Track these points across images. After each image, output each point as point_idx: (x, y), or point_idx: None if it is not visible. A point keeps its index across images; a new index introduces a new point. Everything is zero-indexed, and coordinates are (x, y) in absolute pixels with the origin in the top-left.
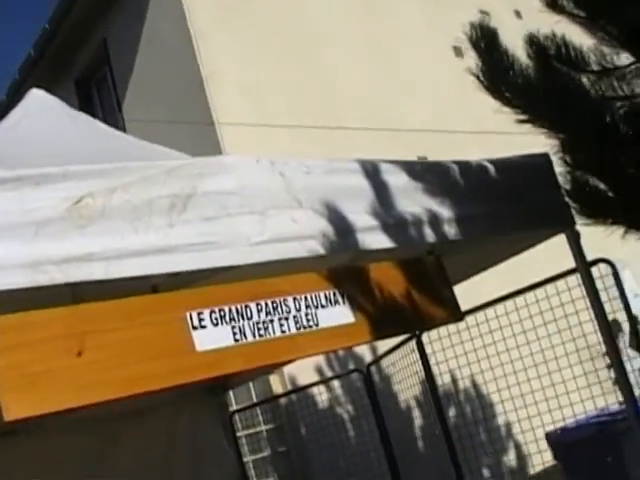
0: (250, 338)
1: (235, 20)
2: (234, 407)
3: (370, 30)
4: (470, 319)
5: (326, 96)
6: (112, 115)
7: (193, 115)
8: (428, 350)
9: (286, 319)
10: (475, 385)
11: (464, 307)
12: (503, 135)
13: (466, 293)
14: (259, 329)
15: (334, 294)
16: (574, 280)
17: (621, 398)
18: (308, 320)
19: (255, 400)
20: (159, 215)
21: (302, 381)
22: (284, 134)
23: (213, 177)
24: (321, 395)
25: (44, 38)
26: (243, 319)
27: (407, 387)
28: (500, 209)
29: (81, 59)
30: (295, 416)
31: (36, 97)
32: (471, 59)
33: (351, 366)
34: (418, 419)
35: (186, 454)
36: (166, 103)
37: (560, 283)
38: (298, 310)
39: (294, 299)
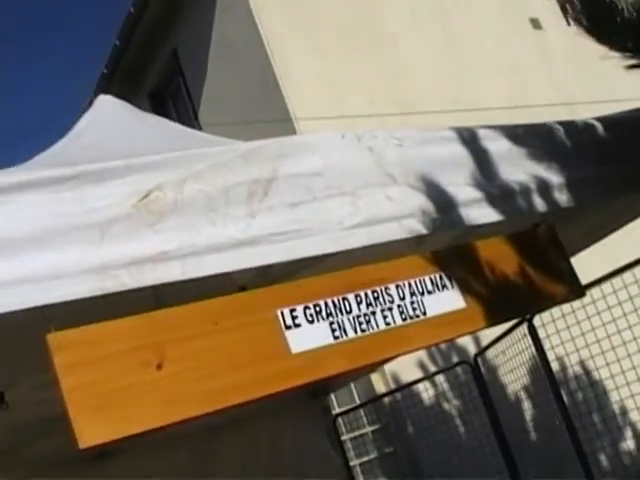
0: (351, 334)
1: (305, 18)
2: (337, 410)
3: (442, 9)
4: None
5: (402, 83)
6: (189, 124)
7: (270, 114)
8: (541, 334)
9: (390, 310)
10: (592, 369)
11: None
12: (593, 104)
13: None
14: (360, 323)
15: (441, 278)
16: None
17: None
18: (414, 309)
19: (358, 401)
20: (237, 204)
21: (405, 378)
22: (363, 124)
23: (295, 158)
24: (427, 391)
25: (115, 54)
26: (342, 313)
27: (519, 377)
28: (612, 170)
29: (153, 72)
30: (401, 415)
31: (104, 102)
32: (552, 29)
33: (455, 359)
34: (533, 409)
35: (291, 464)
36: (242, 106)
37: None
38: (402, 299)
39: (397, 287)
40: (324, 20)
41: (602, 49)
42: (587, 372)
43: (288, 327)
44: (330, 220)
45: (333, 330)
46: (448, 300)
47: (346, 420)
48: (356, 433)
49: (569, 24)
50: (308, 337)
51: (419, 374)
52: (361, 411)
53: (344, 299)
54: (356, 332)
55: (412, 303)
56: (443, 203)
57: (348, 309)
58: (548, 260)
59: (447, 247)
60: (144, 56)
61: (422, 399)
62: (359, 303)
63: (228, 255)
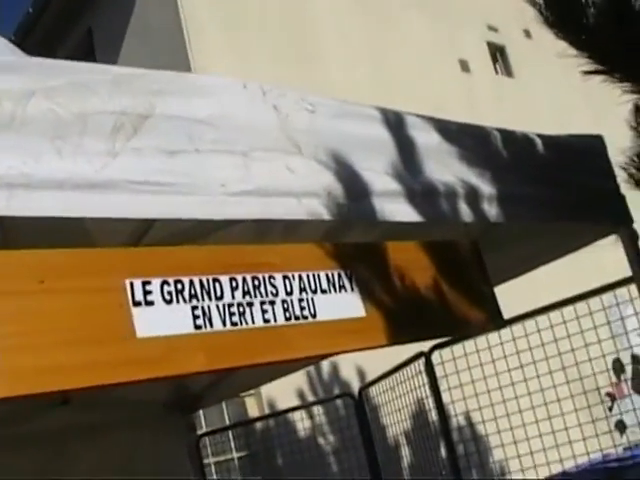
0: (218, 326)
1: (231, 15)
2: (203, 429)
3: (372, 35)
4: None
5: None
6: None
7: None
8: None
9: (272, 304)
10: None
11: None
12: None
13: None
14: (232, 314)
15: (339, 276)
16: None
17: (617, 441)
18: (302, 308)
19: (228, 422)
20: (96, 137)
21: (281, 405)
22: None
23: (180, 97)
24: (303, 421)
25: (27, 24)
26: (209, 298)
27: (405, 418)
28: (550, 193)
29: (65, 48)
30: (272, 444)
31: None
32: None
33: (337, 390)
34: (416, 455)
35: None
36: None
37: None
38: (289, 293)
39: (285, 277)
40: (252, 19)
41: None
42: (479, 422)
43: (137, 303)
44: (212, 180)
45: (195, 317)
46: (345, 305)
47: (212, 442)
48: (222, 458)
49: (497, 72)
50: (162, 320)
51: (296, 402)
52: (229, 434)
53: (215, 281)
54: (224, 324)
55: (301, 301)
56: (355, 188)
57: (219, 294)
58: (468, 279)
59: (353, 243)
60: (57, 30)
61: (297, 429)
62: (234, 289)
63: (70, 196)
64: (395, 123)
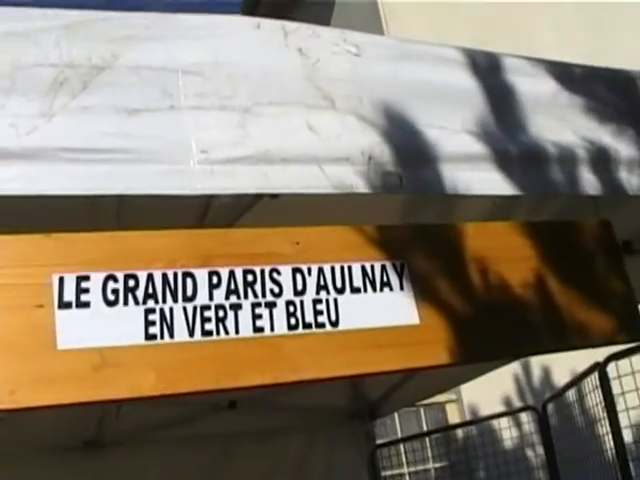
0: (182, 336)
1: (438, 21)
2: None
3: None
4: None
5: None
6: None
7: None
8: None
9: (270, 307)
10: None
11: None
12: None
13: None
14: (206, 320)
15: (383, 269)
16: None
17: None
18: (318, 313)
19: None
20: (29, 95)
21: (484, 412)
22: None
23: (158, 42)
24: (510, 430)
25: None
26: (174, 299)
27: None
28: None
29: None
30: (466, 455)
31: None
32: None
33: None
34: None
35: None
36: None
37: None
38: (299, 292)
39: (295, 271)
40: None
41: None
42: None
43: (64, 305)
44: (188, 144)
45: (149, 323)
46: (387, 309)
47: (385, 454)
48: (396, 471)
49: None
50: (97, 328)
51: (502, 409)
52: (401, 447)
53: (187, 275)
54: (192, 334)
55: (316, 303)
56: (411, 152)
57: (189, 293)
58: (593, 273)
59: (409, 224)
60: None
61: (498, 439)
62: (213, 286)
63: None
64: (486, 67)
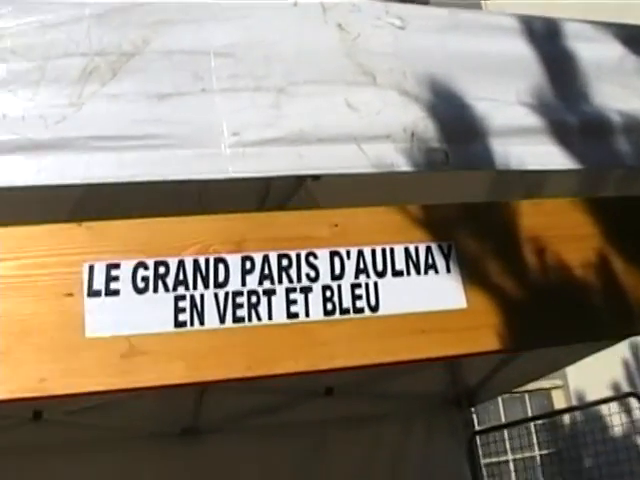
0: (213, 323)
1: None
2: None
3: None
4: None
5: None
6: None
7: None
8: None
9: (305, 292)
10: None
11: None
12: None
13: None
14: (237, 307)
15: (429, 251)
16: None
17: None
18: (357, 298)
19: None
20: (58, 84)
21: (591, 398)
22: None
23: (189, 25)
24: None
25: None
26: (205, 285)
27: None
28: None
29: None
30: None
31: None
32: None
33: None
34: None
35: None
36: None
37: None
38: (337, 277)
39: (333, 255)
40: None
41: None
42: None
43: (94, 293)
44: (219, 128)
45: (179, 310)
46: (433, 292)
47: (484, 440)
48: (494, 459)
49: None
50: (126, 316)
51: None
52: (505, 433)
53: (219, 261)
54: (223, 321)
55: (355, 287)
56: (458, 127)
57: (221, 279)
58: None
59: (457, 203)
60: None
61: (607, 426)
62: (246, 272)
63: (11, 159)
64: (544, 33)
